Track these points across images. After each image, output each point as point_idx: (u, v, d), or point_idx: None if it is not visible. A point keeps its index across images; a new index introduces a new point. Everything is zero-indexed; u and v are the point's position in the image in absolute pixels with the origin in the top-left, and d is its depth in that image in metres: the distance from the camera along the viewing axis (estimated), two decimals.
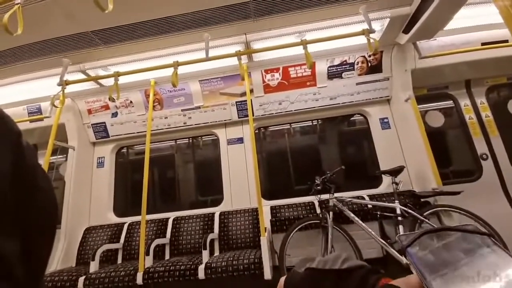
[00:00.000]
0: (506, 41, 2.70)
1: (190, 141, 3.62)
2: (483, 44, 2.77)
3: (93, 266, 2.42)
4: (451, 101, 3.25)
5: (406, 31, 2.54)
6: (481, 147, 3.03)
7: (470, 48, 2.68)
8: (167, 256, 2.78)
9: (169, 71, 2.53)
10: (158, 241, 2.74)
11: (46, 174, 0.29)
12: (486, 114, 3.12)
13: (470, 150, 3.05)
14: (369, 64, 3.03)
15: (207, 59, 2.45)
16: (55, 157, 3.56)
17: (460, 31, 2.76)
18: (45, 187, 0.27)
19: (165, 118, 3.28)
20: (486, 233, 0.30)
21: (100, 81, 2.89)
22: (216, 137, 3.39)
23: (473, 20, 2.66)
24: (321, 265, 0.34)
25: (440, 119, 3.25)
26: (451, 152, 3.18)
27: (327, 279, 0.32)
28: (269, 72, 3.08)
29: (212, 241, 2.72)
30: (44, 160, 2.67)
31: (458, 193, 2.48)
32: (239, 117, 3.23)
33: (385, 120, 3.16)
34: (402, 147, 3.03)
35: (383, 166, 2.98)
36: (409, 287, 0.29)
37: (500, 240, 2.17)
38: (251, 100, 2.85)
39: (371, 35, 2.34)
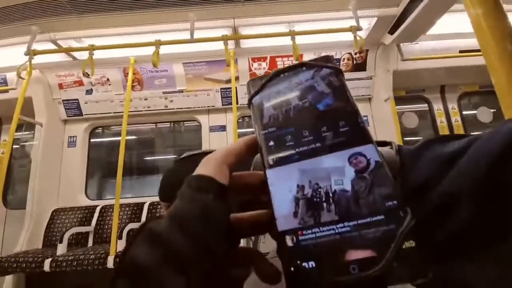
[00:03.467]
0: None
1: (172, 125, 3.51)
2: (461, 51, 2.90)
3: (61, 249, 2.33)
4: (426, 104, 3.42)
5: (391, 32, 2.59)
6: None
7: (447, 54, 2.80)
8: None
9: (150, 50, 2.39)
10: (132, 225, 2.68)
11: None
12: (456, 119, 3.33)
13: None
14: (355, 62, 3.07)
15: (192, 40, 2.34)
16: (21, 133, 3.30)
17: (442, 37, 2.86)
18: None
19: (144, 99, 3.13)
20: (334, 67, 0.27)
21: (73, 54, 2.68)
22: (198, 123, 3.31)
23: (455, 28, 2.75)
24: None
25: (415, 120, 3.41)
26: None
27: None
28: (256, 60, 3.02)
29: None
30: (8, 135, 2.47)
31: None
32: (223, 104, 3.16)
33: (365, 119, 3.26)
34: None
35: None
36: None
37: None
38: (236, 87, 2.80)
39: (358, 32, 2.36)
